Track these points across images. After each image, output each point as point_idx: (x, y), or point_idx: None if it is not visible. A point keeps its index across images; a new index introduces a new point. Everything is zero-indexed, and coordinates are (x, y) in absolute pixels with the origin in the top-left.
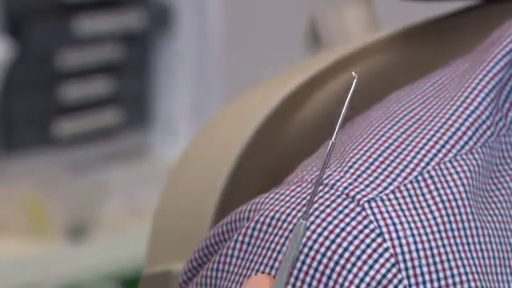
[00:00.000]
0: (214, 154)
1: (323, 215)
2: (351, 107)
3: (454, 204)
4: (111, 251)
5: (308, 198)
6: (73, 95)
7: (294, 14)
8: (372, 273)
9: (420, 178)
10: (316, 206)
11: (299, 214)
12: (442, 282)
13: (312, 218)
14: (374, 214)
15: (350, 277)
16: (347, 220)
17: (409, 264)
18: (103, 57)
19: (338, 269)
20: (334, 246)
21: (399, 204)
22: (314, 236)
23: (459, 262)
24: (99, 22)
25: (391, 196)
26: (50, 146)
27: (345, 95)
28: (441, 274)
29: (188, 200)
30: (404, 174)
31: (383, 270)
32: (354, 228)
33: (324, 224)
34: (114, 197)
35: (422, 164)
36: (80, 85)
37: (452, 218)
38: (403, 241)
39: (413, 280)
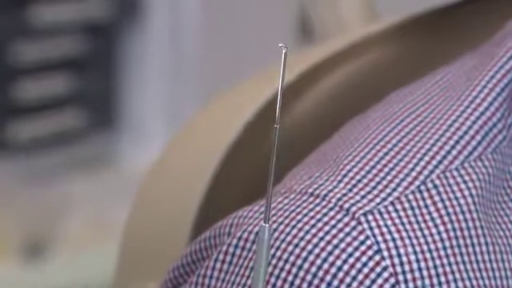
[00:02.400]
0: (191, 161)
1: (314, 230)
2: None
3: (461, 217)
4: (73, 272)
5: (298, 210)
6: (30, 94)
7: (282, 4)
8: None
9: (423, 187)
10: (306, 219)
11: (287, 230)
12: None
13: (301, 234)
14: (371, 228)
15: None
16: (341, 235)
17: (410, 285)
18: (64, 50)
19: None
20: (326, 265)
21: (399, 217)
22: (304, 254)
23: (467, 283)
24: (59, 10)
25: (390, 208)
26: (3, 153)
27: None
28: None
29: (162, 213)
30: (405, 184)
31: None
32: (349, 244)
33: (315, 240)
34: (77, 210)
35: (426, 172)
36: (38, 82)
37: (459, 233)
38: (404, 258)
39: None
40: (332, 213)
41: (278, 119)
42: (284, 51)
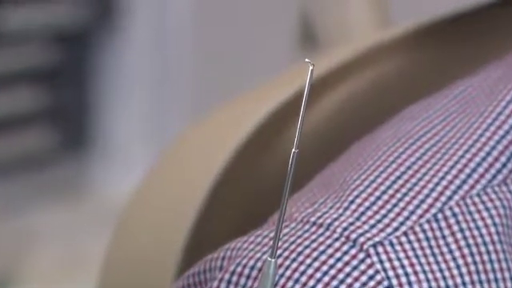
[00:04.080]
0: (178, 186)
1: (317, 263)
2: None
3: (483, 249)
4: None
5: (298, 241)
6: None
7: (281, 6)
8: None
9: (440, 215)
10: (308, 251)
11: (287, 263)
12: None
13: (303, 267)
14: (381, 261)
15: None
16: (347, 270)
17: None
18: (32, 60)
19: None
20: None
21: (413, 249)
22: None
23: None
24: (27, 15)
25: (403, 239)
26: None
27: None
28: None
29: (147, 245)
30: (419, 212)
31: None
32: (357, 280)
33: (318, 275)
34: (46, 244)
35: (443, 198)
36: (1, 96)
37: (481, 267)
38: None
39: None
40: (337, 244)
41: (296, 143)
42: (311, 68)
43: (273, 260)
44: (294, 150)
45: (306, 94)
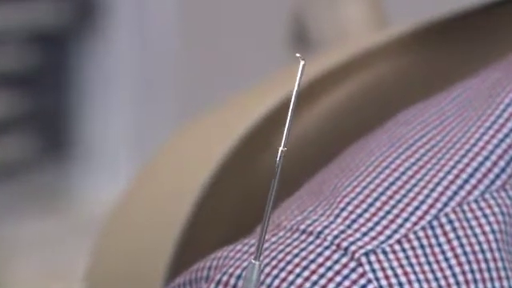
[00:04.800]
0: (165, 194)
1: (306, 273)
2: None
3: (480, 257)
4: None
5: (287, 249)
6: None
7: (272, 6)
8: None
9: (435, 223)
10: (297, 260)
11: (275, 273)
12: None
13: (291, 277)
14: (373, 270)
15: None
16: (338, 279)
17: None
18: (8, 63)
19: None
20: None
21: (407, 257)
22: None
23: None
24: (2, 16)
25: (396, 247)
26: None
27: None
28: None
29: (129, 256)
30: (414, 219)
31: None
32: None
33: (307, 285)
34: (23, 257)
35: (439, 205)
36: None
37: (478, 276)
38: None
39: None
40: (328, 252)
41: (284, 141)
42: (302, 63)
43: (257, 263)
44: (281, 148)
45: (295, 89)
